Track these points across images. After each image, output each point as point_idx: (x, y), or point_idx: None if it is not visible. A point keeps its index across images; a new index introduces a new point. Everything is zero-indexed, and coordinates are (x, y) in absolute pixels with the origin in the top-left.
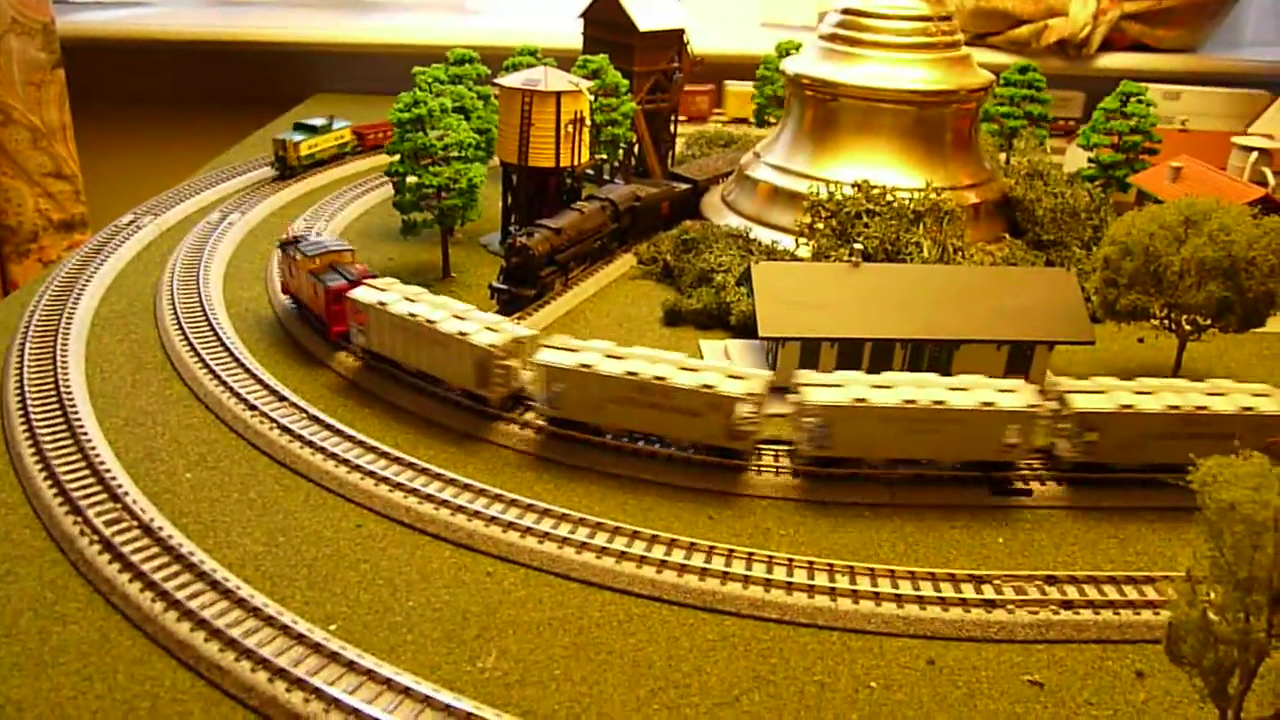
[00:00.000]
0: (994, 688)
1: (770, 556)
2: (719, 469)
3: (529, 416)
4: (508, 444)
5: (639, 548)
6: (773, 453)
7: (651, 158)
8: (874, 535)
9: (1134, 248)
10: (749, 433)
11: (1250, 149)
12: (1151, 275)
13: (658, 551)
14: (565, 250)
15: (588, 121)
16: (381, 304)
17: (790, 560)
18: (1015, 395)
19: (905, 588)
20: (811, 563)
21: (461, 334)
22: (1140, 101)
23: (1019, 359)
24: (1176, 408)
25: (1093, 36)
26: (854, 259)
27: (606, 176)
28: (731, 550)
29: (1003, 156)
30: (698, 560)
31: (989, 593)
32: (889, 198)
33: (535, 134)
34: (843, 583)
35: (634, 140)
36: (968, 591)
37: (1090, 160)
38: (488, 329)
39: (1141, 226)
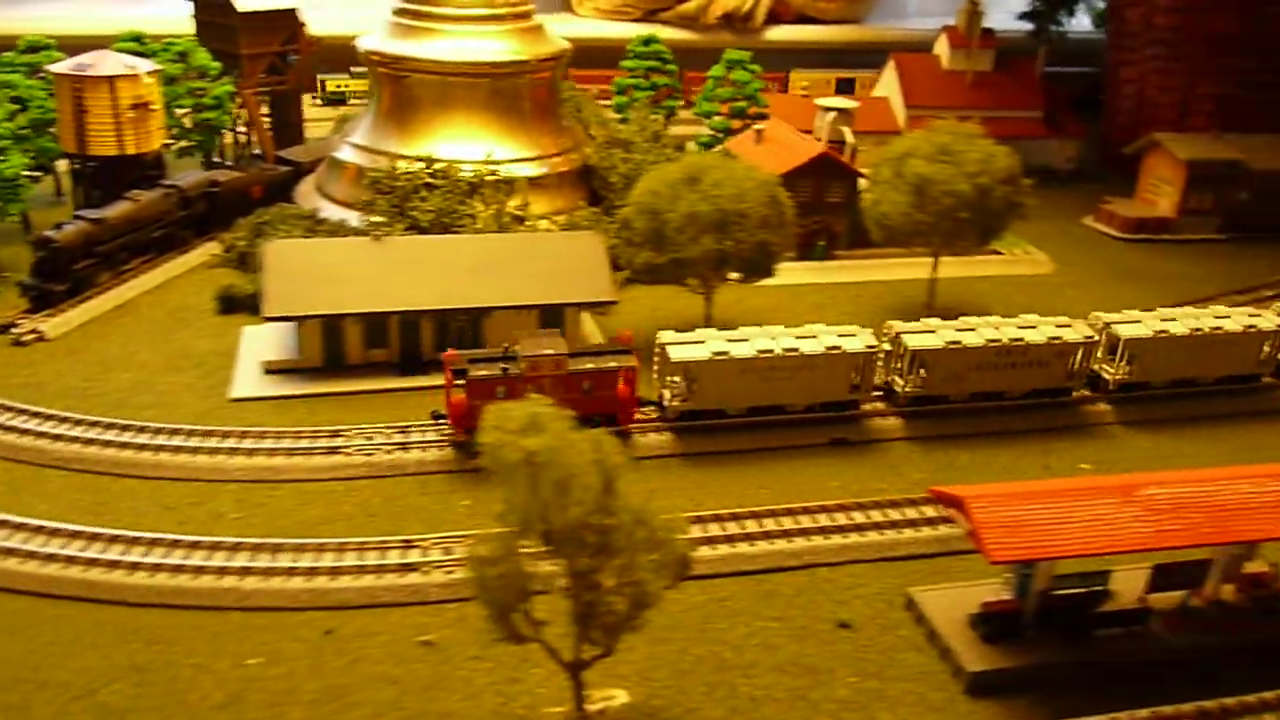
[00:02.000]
0: (384, 651)
1: (175, 540)
2: None
3: None
4: None
5: (17, 540)
6: None
7: (264, 141)
8: (330, 510)
9: (644, 207)
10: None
11: (829, 110)
12: (655, 233)
13: (35, 544)
14: (110, 241)
15: (154, 106)
16: (720, 354)
17: (195, 542)
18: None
19: (328, 560)
20: (217, 543)
21: (833, 349)
22: (744, 69)
23: (553, 322)
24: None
25: (756, 10)
26: (376, 232)
27: (229, 161)
28: (115, 536)
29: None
30: (76, 549)
31: (414, 557)
32: (451, 171)
33: (92, 121)
34: (263, 561)
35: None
36: (392, 557)
37: (711, 128)
38: (841, 337)
39: (649, 186)
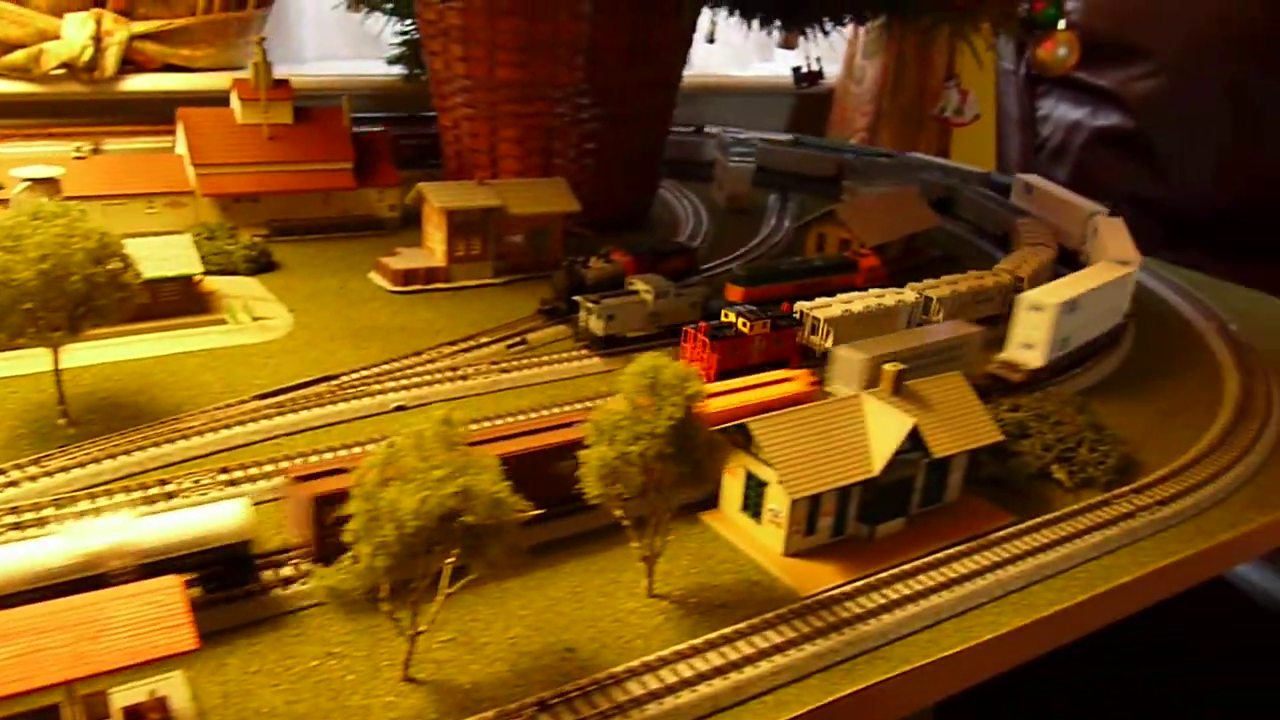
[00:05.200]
0: None
1: None
2: None
3: None
4: None
5: None
6: None
7: None
8: None
9: None
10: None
11: (25, 179)
12: None
13: None
14: None
15: None
16: (846, 311)
17: None
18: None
19: None
20: None
21: (900, 301)
22: None
23: None
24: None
25: (102, 60)
26: None
27: None
28: None
29: None
30: None
31: None
32: None
33: None
34: None
35: None
36: None
37: None
38: (898, 291)
39: None
